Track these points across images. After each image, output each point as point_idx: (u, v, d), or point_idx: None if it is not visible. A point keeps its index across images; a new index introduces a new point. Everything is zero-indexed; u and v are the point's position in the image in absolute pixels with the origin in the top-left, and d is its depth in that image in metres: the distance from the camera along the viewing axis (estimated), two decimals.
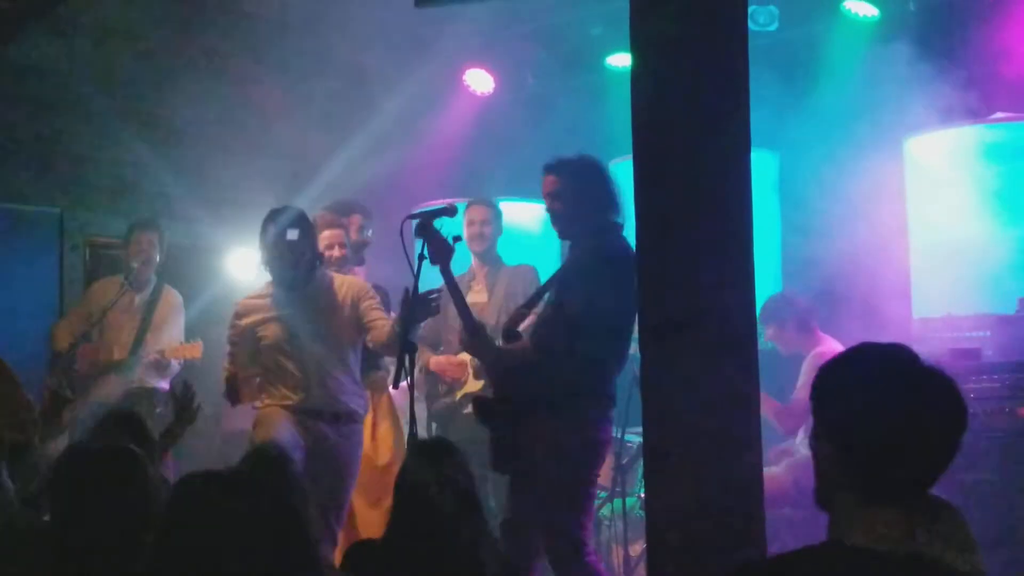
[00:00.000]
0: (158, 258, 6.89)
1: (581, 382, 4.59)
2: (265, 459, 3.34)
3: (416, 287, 4.92)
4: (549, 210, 5.01)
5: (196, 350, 6.59)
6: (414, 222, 4.95)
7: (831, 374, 2.13)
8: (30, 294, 7.34)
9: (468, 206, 6.39)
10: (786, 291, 6.66)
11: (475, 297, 6.25)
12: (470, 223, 6.35)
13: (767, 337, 6.30)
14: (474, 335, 4.84)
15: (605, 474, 6.11)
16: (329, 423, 5.34)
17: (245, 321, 5.51)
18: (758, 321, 6.10)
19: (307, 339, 5.38)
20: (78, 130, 7.49)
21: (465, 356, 6.11)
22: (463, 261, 6.47)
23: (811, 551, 2.05)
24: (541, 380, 4.60)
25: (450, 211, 5.43)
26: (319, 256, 5.56)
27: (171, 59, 7.75)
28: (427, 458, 3.39)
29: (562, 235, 5.04)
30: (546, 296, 4.93)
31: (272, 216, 5.42)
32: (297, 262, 5.39)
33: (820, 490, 2.14)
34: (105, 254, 7.72)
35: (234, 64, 7.91)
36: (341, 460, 5.34)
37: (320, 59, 8.18)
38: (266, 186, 7.75)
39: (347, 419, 5.39)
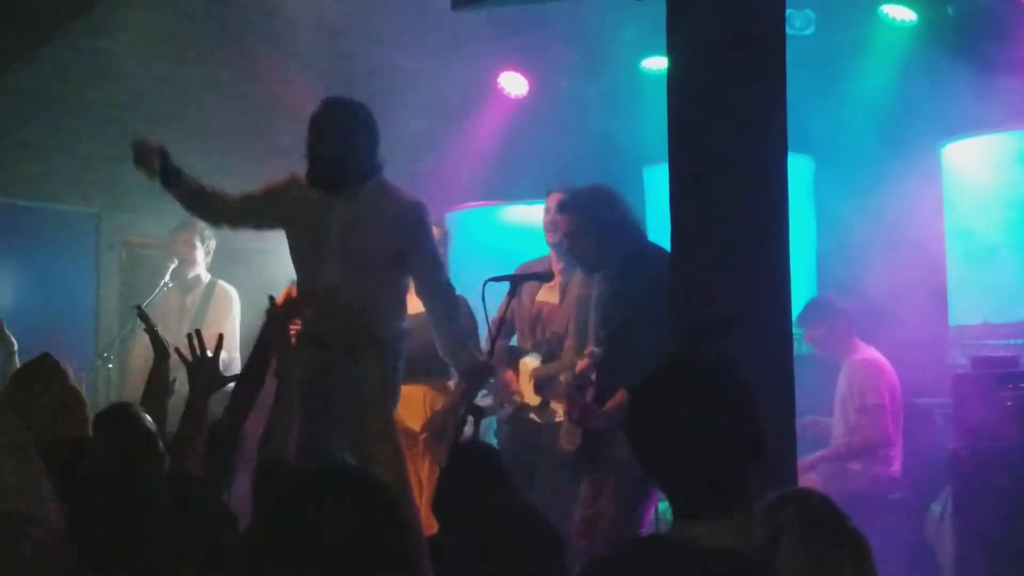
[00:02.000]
0: (200, 256, 6.85)
1: None
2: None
3: (492, 352, 4.87)
4: (569, 250, 5.01)
5: None
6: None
7: (641, 395, 2.28)
8: (67, 295, 7.39)
9: (548, 193, 5.99)
10: (833, 295, 6.62)
11: (546, 295, 5.96)
12: (546, 211, 5.93)
13: (809, 339, 6.28)
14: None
15: None
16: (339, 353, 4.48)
17: (268, 205, 4.74)
18: (795, 324, 6.19)
19: (332, 261, 4.57)
20: (114, 131, 7.53)
21: (525, 369, 6.03)
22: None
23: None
24: None
25: (545, 276, 5.45)
26: (373, 166, 4.61)
27: (208, 61, 7.79)
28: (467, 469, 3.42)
29: (588, 270, 5.06)
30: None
31: (325, 104, 4.64)
32: (333, 161, 4.52)
33: None
34: (142, 254, 7.76)
35: (270, 67, 7.94)
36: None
37: (354, 62, 8.20)
38: None
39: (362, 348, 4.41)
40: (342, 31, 8.01)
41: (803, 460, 5.69)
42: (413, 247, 4.61)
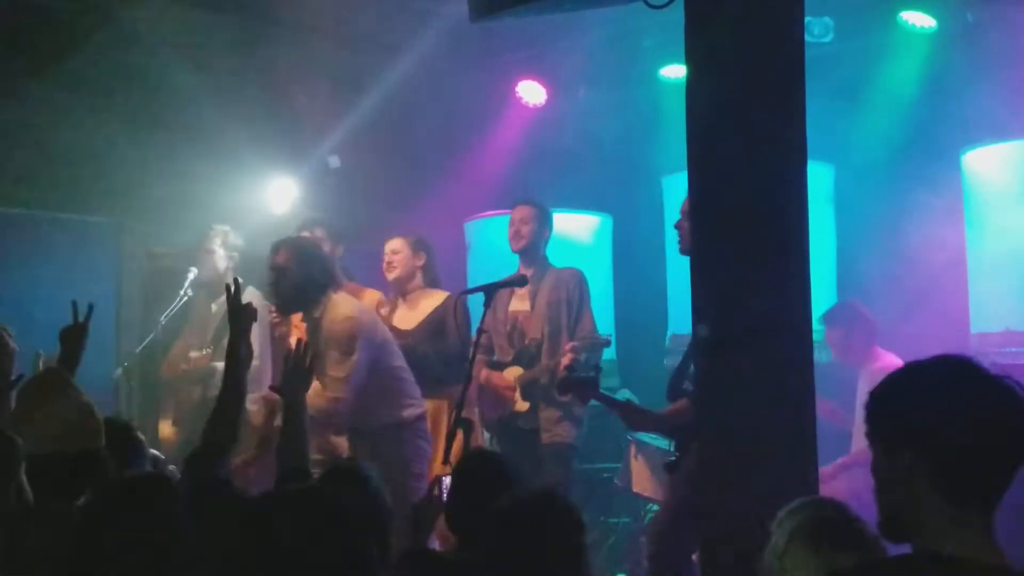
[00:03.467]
0: (220, 263, 6.83)
1: None
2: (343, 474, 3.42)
3: (473, 359, 5.17)
4: None
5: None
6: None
7: (917, 383, 2.10)
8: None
9: (512, 207, 6.35)
10: (857, 301, 6.60)
11: (518, 304, 6.20)
12: (511, 223, 6.28)
13: (828, 339, 6.27)
14: (627, 414, 5.07)
15: (658, 487, 6.12)
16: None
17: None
18: (818, 321, 6.20)
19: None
20: (136, 142, 7.57)
21: (511, 377, 6.11)
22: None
23: (906, 561, 2.03)
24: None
25: (518, 281, 5.73)
26: (326, 284, 5.45)
27: (229, 72, 7.82)
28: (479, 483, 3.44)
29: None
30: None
31: (276, 248, 5.50)
32: (278, 291, 5.43)
33: (902, 509, 2.08)
34: (163, 265, 7.78)
35: (290, 77, 7.97)
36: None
37: (373, 72, 8.22)
38: (317, 199, 7.80)
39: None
40: (362, 42, 8.03)
41: (824, 469, 5.68)
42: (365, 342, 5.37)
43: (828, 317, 6.29)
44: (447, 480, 4.04)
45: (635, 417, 5.16)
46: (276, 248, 5.48)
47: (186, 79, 7.55)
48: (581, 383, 5.34)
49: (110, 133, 7.47)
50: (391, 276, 6.30)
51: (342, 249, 6.49)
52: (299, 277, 5.38)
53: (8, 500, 3.09)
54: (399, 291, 6.31)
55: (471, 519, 3.30)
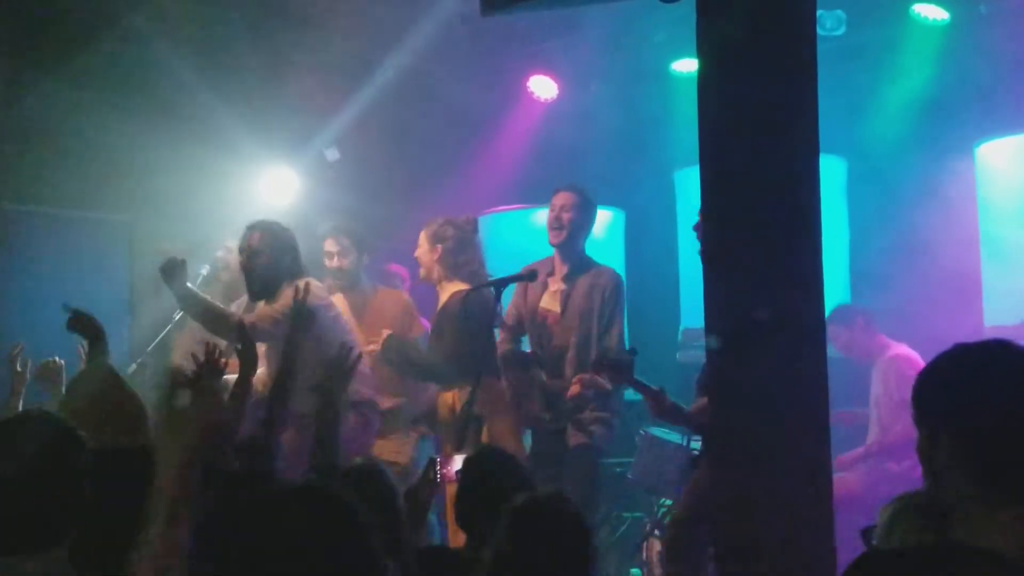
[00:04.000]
0: (235, 262, 6.80)
1: None
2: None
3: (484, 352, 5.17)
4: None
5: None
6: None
7: (959, 366, 2.05)
8: (100, 302, 7.42)
9: (554, 192, 5.98)
10: (844, 303, 6.63)
11: (549, 303, 5.88)
12: (551, 208, 5.89)
13: (838, 348, 6.26)
14: (658, 403, 5.12)
15: (669, 482, 6.12)
16: None
17: None
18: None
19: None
20: (147, 139, 7.58)
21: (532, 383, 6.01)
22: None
23: (937, 552, 1.99)
24: None
25: (529, 276, 5.64)
26: (295, 272, 5.49)
27: (238, 69, 7.83)
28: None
29: None
30: None
31: (250, 230, 5.62)
32: (248, 276, 5.56)
33: (940, 492, 2.03)
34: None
35: (300, 72, 7.97)
36: None
37: (384, 65, 8.21)
38: (325, 195, 7.80)
39: None
40: (372, 36, 8.03)
41: (839, 458, 5.70)
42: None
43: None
44: (454, 465, 4.05)
45: (664, 409, 5.13)
46: (251, 229, 5.50)
47: (197, 75, 7.56)
48: (617, 364, 5.28)
49: (120, 130, 7.48)
50: (420, 277, 6.14)
51: (367, 257, 6.40)
52: (270, 263, 5.44)
53: (82, 500, 3.05)
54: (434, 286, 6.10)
55: (479, 517, 3.30)
